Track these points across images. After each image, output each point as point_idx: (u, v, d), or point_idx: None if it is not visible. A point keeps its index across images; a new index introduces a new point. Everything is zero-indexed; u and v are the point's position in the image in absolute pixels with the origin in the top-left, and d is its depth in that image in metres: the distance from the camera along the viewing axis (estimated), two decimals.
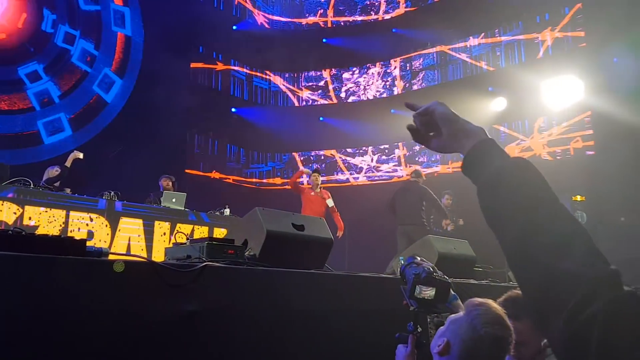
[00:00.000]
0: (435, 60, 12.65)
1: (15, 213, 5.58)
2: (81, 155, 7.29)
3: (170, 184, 8.20)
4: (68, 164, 7.18)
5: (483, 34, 11.81)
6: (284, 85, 14.03)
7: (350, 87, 13.66)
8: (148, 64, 10.83)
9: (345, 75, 13.75)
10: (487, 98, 10.87)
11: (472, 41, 11.93)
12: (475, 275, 4.49)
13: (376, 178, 12.91)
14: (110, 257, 2.57)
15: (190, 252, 3.09)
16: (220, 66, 12.85)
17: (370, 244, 9.85)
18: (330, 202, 8.11)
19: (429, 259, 4.18)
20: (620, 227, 8.33)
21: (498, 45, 11.61)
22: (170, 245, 6.74)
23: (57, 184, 6.85)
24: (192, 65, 12.16)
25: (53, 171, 7.13)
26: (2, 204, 5.55)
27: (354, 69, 13.66)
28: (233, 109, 12.95)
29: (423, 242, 4.30)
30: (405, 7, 13.05)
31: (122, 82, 10.59)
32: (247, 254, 3.24)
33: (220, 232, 7.34)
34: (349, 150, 13.39)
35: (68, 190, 6.88)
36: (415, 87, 12.85)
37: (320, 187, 8.21)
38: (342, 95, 13.75)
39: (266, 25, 13.58)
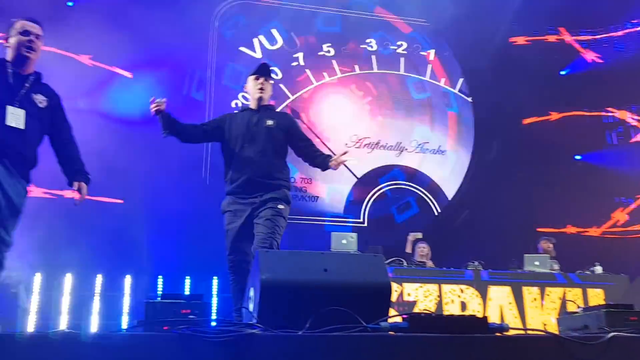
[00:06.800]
0: None
1: (396, 291, 6.22)
2: (420, 235, 7.79)
3: (552, 246, 7.93)
4: (409, 249, 7.73)
5: None
6: (632, 118, 12.39)
7: None
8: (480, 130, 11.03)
9: None
10: None
11: None
12: None
13: None
14: (511, 332, 2.62)
15: (586, 322, 2.94)
16: (554, 115, 12.22)
17: None
18: None
19: None
20: None
21: None
22: (543, 311, 6.49)
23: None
24: (524, 121, 11.89)
25: (413, 235, 7.83)
26: None
27: None
28: (577, 157, 12.01)
29: None
30: None
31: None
32: None
33: (594, 294, 6.70)
34: None
35: (430, 264, 7.36)
36: None
37: None
38: None
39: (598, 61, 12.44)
